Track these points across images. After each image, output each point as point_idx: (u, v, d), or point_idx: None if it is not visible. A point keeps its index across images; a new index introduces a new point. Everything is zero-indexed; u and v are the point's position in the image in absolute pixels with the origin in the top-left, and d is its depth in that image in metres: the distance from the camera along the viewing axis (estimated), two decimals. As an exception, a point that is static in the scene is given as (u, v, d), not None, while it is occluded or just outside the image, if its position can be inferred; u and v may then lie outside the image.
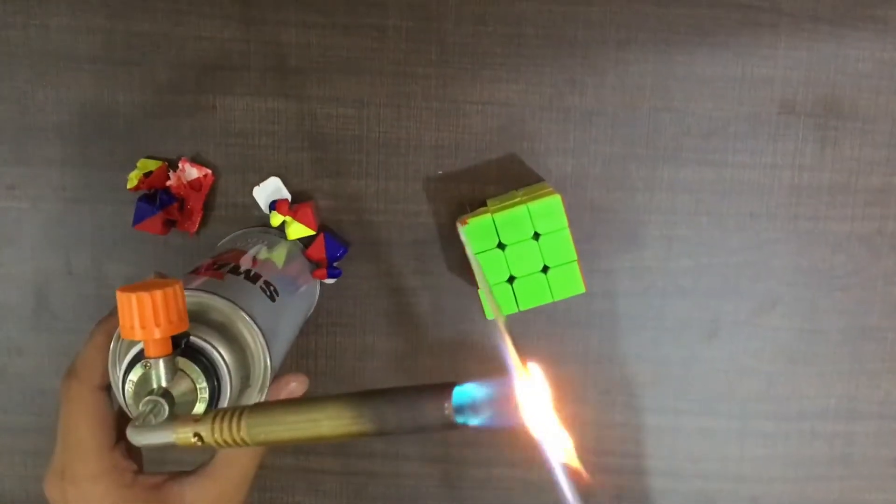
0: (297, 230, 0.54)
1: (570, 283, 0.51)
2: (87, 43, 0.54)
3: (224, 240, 0.54)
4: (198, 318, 0.38)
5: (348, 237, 0.56)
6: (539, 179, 0.55)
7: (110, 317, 0.40)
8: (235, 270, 0.44)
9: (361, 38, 0.54)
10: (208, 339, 0.37)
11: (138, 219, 0.54)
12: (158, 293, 0.33)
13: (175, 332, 0.34)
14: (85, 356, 0.39)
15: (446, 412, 0.28)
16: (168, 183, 0.54)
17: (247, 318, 0.39)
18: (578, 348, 0.57)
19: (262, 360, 0.39)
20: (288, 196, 0.55)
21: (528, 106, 0.55)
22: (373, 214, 0.56)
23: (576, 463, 0.28)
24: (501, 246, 0.51)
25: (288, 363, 0.57)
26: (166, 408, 0.34)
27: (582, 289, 0.52)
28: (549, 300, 0.52)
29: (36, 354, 0.57)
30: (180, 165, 0.54)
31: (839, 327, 0.58)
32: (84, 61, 0.54)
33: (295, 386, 0.41)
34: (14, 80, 0.54)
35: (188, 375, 0.35)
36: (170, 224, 0.55)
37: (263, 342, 0.39)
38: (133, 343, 0.36)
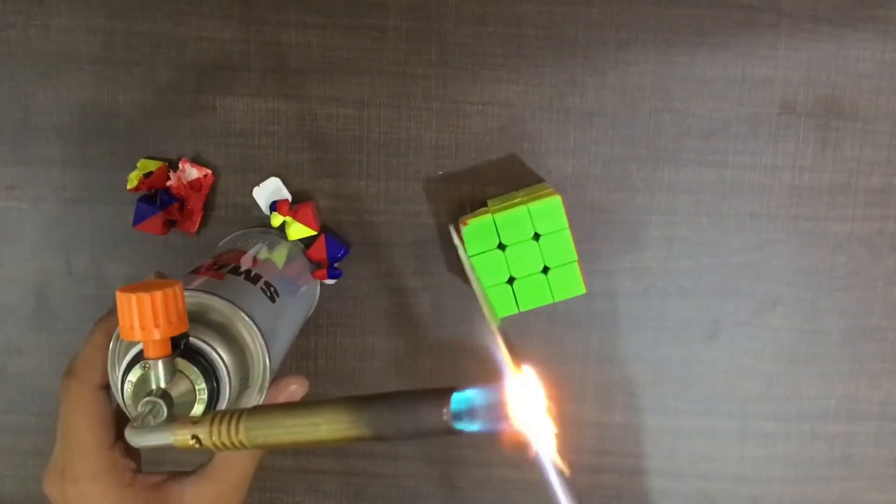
0: (297, 230, 0.54)
1: (570, 283, 0.51)
2: (88, 43, 0.54)
3: (224, 240, 0.54)
4: (197, 318, 0.38)
5: (348, 238, 0.56)
6: (539, 180, 0.55)
7: (110, 316, 0.40)
8: (236, 271, 0.44)
9: (362, 38, 0.54)
10: (207, 339, 0.37)
11: (138, 219, 0.54)
12: (158, 294, 0.33)
13: (174, 333, 0.34)
14: (84, 355, 0.39)
15: (445, 418, 0.28)
16: (168, 183, 0.54)
17: (246, 318, 0.39)
18: (579, 349, 0.57)
19: (262, 361, 0.39)
20: (288, 196, 0.55)
21: (528, 106, 0.55)
22: (373, 215, 0.56)
23: (558, 460, 0.28)
24: (502, 246, 0.51)
25: (288, 364, 0.57)
26: (165, 409, 0.34)
27: (582, 289, 0.52)
28: (550, 301, 0.52)
29: (36, 354, 0.57)
30: (180, 166, 0.54)
31: (839, 328, 0.58)
32: (84, 62, 0.54)
33: (295, 388, 0.41)
34: (14, 81, 0.54)
35: (187, 376, 0.35)
36: (170, 224, 0.55)
37: (263, 343, 0.39)
38: (132, 343, 0.36)
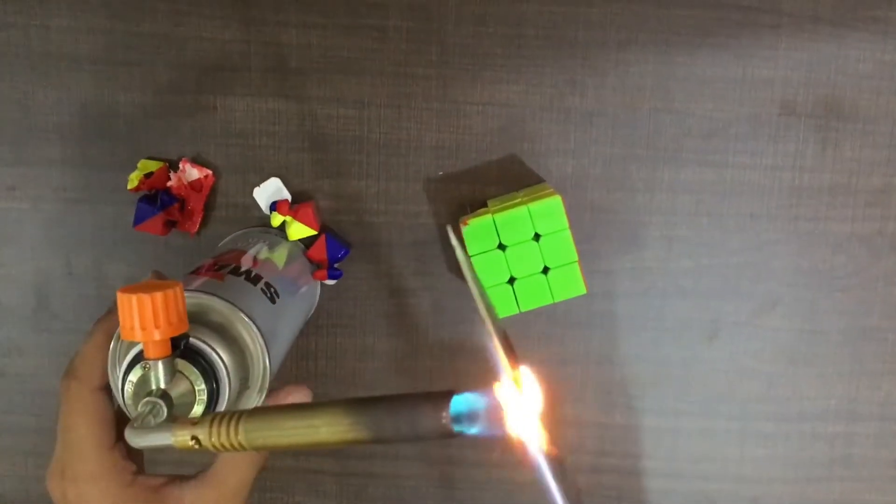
0: (298, 230, 0.54)
1: (570, 284, 0.51)
2: (88, 43, 0.54)
3: (224, 240, 0.54)
4: (197, 319, 0.38)
5: (348, 238, 0.56)
6: (539, 180, 0.55)
7: (109, 315, 0.40)
8: (236, 271, 0.44)
9: (362, 38, 0.54)
10: (207, 340, 0.37)
11: (139, 219, 0.54)
12: (159, 295, 0.33)
13: (175, 334, 0.34)
14: (84, 355, 0.39)
15: (444, 421, 0.28)
16: (169, 183, 0.54)
17: (246, 319, 0.39)
18: (579, 349, 0.57)
19: (262, 361, 0.39)
20: (288, 196, 0.55)
21: (528, 107, 0.55)
22: (373, 215, 0.56)
23: (556, 462, 0.27)
24: (502, 247, 0.51)
25: (288, 364, 0.57)
26: (165, 409, 0.34)
27: (582, 290, 0.52)
28: (550, 301, 0.52)
29: (36, 354, 0.57)
30: (181, 166, 0.55)
31: (839, 328, 0.58)
32: (85, 62, 0.54)
33: (295, 398, 0.41)
34: (15, 81, 0.54)
35: (187, 377, 0.36)
36: (170, 225, 0.55)
37: (263, 344, 0.39)
38: (133, 344, 0.36)
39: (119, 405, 0.37)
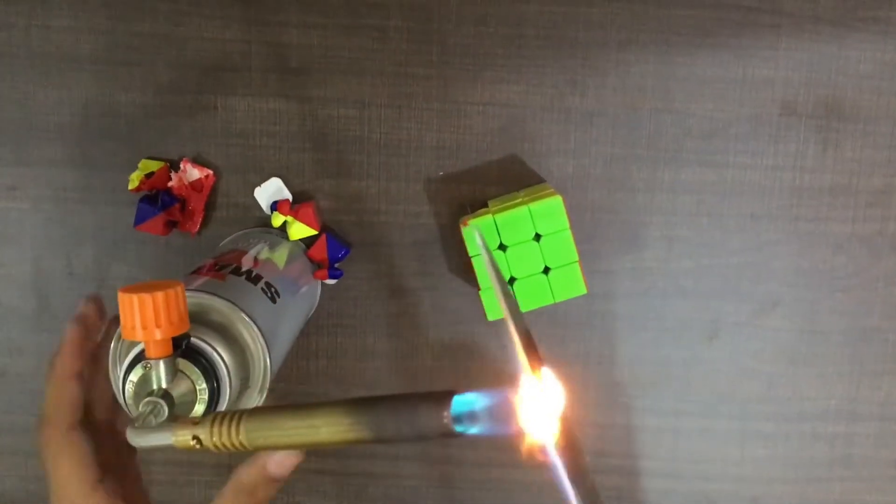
0: (298, 230, 0.54)
1: (571, 284, 0.51)
2: (89, 43, 0.54)
3: (225, 240, 0.55)
4: (198, 318, 0.38)
5: (349, 238, 0.56)
6: (540, 180, 0.55)
7: (62, 352, 0.40)
8: (237, 271, 0.45)
9: (363, 38, 0.54)
10: (208, 340, 0.37)
11: (140, 219, 0.54)
12: (160, 294, 0.33)
13: (176, 334, 0.34)
14: (49, 399, 0.39)
15: (445, 421, 0.28)
16: (169, 184, 0.54)
17: (247, 319, 0.39)
18: (579, 349, 0.57)
19: (262, 361, 0.39)
20: (289, 196, 0.55)
21: (529, 107, 0.55)
22: (374, 215, 0.56)
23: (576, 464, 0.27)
24: (502, 247, 0.51)
25: (289, 364, 0.57)
26: (166, 409, 0.34)
27: (583, 290, 0.52)
28: (551, 301, 0.52)
29: (36, 354, 0.57)
30: (182, 166, 0.55)
31: (840, 328, 0.58)
32: (85, 62, 0.54)
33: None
34: (15, 81, 0.54)
35: (188, 376, 0.36)
36: (171, 225, 0.55)
37: (263, 343, 0.39)
38: (134, 344, 0.36)
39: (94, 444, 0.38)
